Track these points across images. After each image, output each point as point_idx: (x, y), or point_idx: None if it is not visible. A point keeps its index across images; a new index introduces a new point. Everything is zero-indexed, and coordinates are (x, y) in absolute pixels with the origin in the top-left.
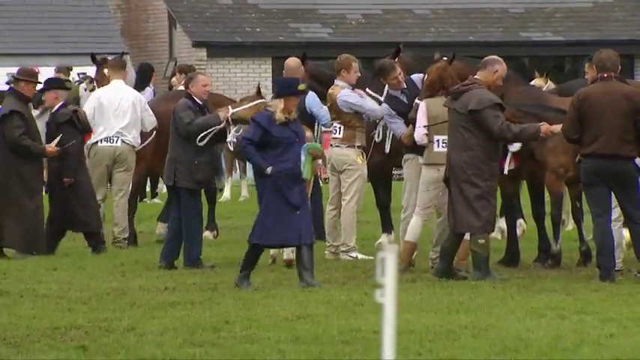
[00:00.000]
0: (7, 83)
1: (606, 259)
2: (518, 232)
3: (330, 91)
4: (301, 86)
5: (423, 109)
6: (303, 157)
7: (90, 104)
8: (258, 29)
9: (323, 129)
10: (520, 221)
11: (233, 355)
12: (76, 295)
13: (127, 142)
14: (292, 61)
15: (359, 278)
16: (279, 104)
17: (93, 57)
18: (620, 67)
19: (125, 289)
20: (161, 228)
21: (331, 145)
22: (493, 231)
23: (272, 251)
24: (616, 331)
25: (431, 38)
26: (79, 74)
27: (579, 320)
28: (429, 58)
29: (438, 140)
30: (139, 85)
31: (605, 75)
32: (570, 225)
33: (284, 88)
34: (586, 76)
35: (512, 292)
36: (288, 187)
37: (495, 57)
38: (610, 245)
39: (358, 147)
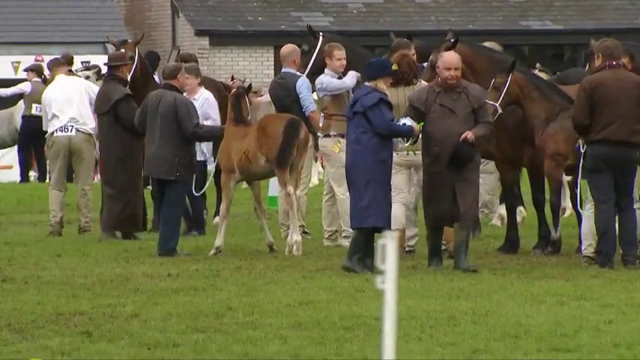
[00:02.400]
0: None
1: (608, 245)
2: (518, 219)
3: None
4: (394, 66)
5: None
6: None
7: (43, 103)
8: (260, 18)
9: (307, 113)
10: (520, 208)
11: (236, 340)
12: (80, 281)
13: (81, 130)
14: (286, 48)
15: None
16: (381, 85)
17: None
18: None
19: (129, 276)
20: None
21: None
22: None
23: (270, 238)
24: (615, 317)
25: (431, 27)
26: (82, 62)
27: (578, 306)
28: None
29: None
30: None
31: (614, 63)
32: (569, 211)
33: (379, 70)
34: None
35: (512, 279)
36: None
37: (441, 54)
38: (612, 232)
39: (334, 136)
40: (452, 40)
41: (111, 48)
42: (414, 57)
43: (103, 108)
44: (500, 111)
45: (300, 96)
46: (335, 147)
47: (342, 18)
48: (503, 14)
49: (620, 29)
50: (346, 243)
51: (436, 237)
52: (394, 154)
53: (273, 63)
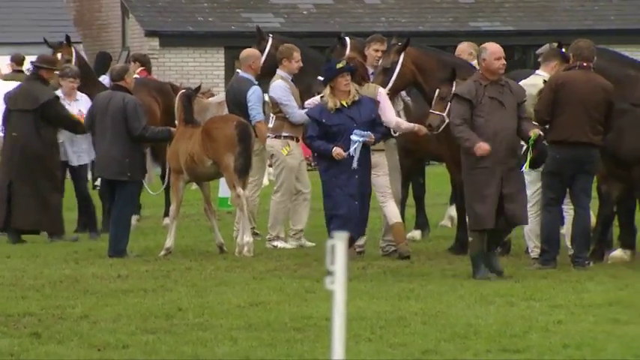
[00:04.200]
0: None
1: (552, 247)
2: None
3: (272, 81)
4: (339, 64)
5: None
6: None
7: None
8: (210, 19)
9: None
10: None
11: (186, 342)
12: (29, 282)
13: None
14: (246, 52)
15: (310, 266)
16: (327, 91)
17: (46, 42)
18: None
19: (78, 277)
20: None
21: (268, 135)
22: (487, 226)
23: (220, 239)
24: (564, 317)
25: (382, 28)
26: (32, 62)
27: (528, 307)
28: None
29: None
30: (97, 73)
31: (585, 64)
32: None
33: (325, 73)
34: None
35: (461, 280)
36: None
37: (483, 46)
38: (557, 234)
39: (285, 137)
40: (399, 44)
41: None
42: (379, 54)
43: (28, 105)
44: (447, 120)
45: (249, 104)
46: (284, 149)
47: (293, 19)
48: (453, 16)
49: (570, 31)
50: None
51: (481, 242)
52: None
53: (223, 64)
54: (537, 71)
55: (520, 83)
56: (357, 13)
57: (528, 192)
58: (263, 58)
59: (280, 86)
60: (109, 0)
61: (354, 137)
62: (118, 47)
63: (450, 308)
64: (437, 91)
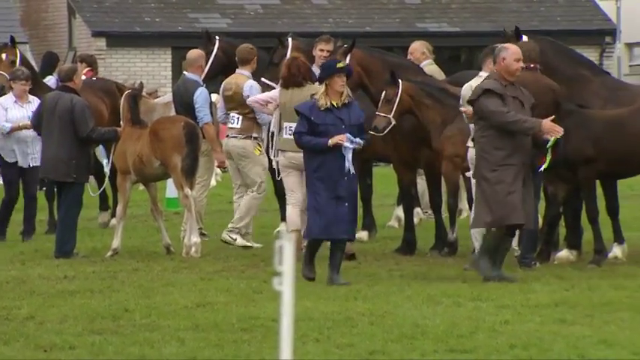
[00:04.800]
0: None
1: (532, 248)
2: (415, 220)
3: (232, 80)
4: (340, 64)
5: (274, 94)
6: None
7: None
8: (157, 19)
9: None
10: (417, 210)
11: (133, 342)
12: None
13: None
14: (192, 53)
15: (258, 266)
16: (322, 89)
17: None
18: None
19: (24, 278)
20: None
21: (227, 135)
22: (519, 221)
23: (168, 240)
24: (511, 317)
25: (329, 29)
26: None
27: (475, 307)
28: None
29: (286, 127)
30: (43, 73)
31: (532, 65)
32: (466, 213)
33: (322, 71)
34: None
35: (409, 280)
36: (333, 179)
37: (500, 46)
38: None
39: (255, 138)
40: (345, 46)
41: None
42: (325, 54)
43: None
44: (393, 122)
45: (196, 106)
46: (256, 150)
47: (240, 19)
48: (400, 16)
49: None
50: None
51: (503, 241)
52: (281, 156)
53: (170, 64)
54: (481, 72)
55: (466, 85)
56: (305, 14)
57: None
58: (210, 61)
59: (255, 87)
60: (55, 0)
61: (346, 143)
62: (65, 48)
63: (397, 309)
64: (383, 93)
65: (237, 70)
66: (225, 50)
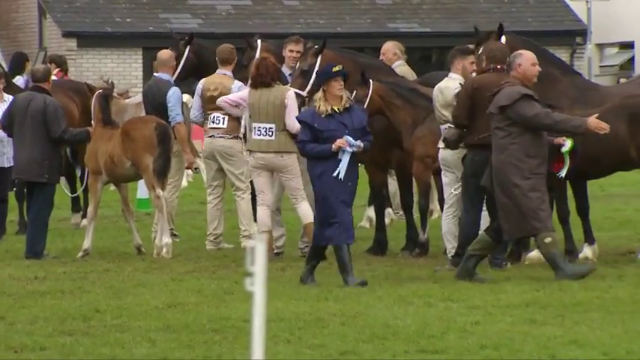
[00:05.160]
0: None
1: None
2: (386, 221)
3: (216, 80)
4: (335, 68)
5: (244, 94)
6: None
7: None
8: (128, 19)
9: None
10: (388, 210)
11: (104, 343)
12: None
13: None
14: (164, 53)
15: (229, 267)
16: (320, 94)
17: None
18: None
19: None
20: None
21: (212, 135)
22: (551, 228)
23: (139, 241)
24: (481, 318)
25: (300, 29)
26: None
27: (446, 308)
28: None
29: (255, 128)
30: (12, 74)
31: (498, 66)
32: (437, 214)
33: (319, 76)
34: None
35: (380, 280)
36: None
37: (515, 53)
38: (475, 235)
39: (240, 138)
40: (316, 47)
41: None
42: (294, 55)
43: None
44: None
45: (169, 105)
46: (243, 149)
47: (211, 20)
48: (371, 17)
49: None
50: (246, 243)
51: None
52: (250, 157)
53: (141, 64)
54: (450, 73)
55: (436, 87)
56: (276, 15)
57: (445, 194)
58: (182, 63)
59: (244, 87)
60: (26, 0)
61: (347, 148)
62: (36, 48)
63: (368, 309)
64: (354, 93)
65: (219, 71)
66: (196, 52)
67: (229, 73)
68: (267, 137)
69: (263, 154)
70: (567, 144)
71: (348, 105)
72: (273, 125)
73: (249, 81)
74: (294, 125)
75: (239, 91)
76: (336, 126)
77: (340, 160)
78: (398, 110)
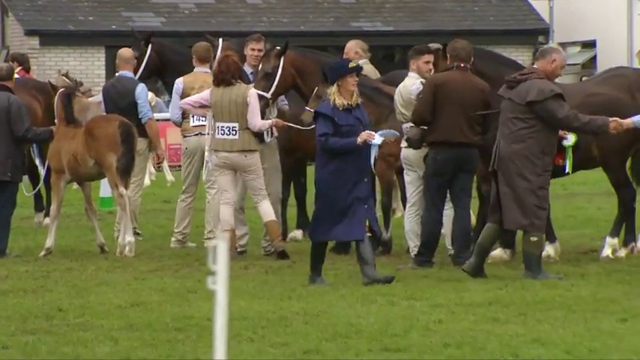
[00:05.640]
0: None
1: (430, 249)
2: None
3: (198, 78)
4: (352, 63)
5: (205, 94)
6: (374, 150)
7: None
8: (90, 18)
9: (144, 120)
10: None
11: (66, 342)
12: None
13: None
14: (126, 51)
15: (192, 266)
16: (334, 89)
17: None
18: (471, 58)
19: None
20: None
21: (199, 133)
22: (543, 231)
23: (102, 239)
24: (444, 316)
25: (263, 28)
26: None
27: (409, 306)
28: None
29: (218, 127)
30: None
31: (462, 65)
32: (400, 212)
33: (334, 71)
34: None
35: (343, 279)
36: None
37: (553, 46)
38: (437, 236)
39: None
40: (278, 48)
41: None
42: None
43: None
44: None
45: (139, 102)
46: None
47: (174, 18)
48: (335, 16)
49: (449, 31)
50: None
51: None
52: (213, 156)
53: (104, 63)
54: (409, 73)
55: (399, 87)
56: (239, 13)
57: (408, 193)
58: (145, 62)
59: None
60: None
61: (375, 140)
62: None
63: (331, 308)
64: (315, 89)
65: (198, 69)
66: (158, 51)
67: (209, 70)
68: (231, 136)
69: (227, 154)
70: (570, 138)
71: (359, 101)
72: (236, 124)
73: (212, 79)
74: (256, 124)
75: None
76: (354, 121)
77: (367, 157)
78: None
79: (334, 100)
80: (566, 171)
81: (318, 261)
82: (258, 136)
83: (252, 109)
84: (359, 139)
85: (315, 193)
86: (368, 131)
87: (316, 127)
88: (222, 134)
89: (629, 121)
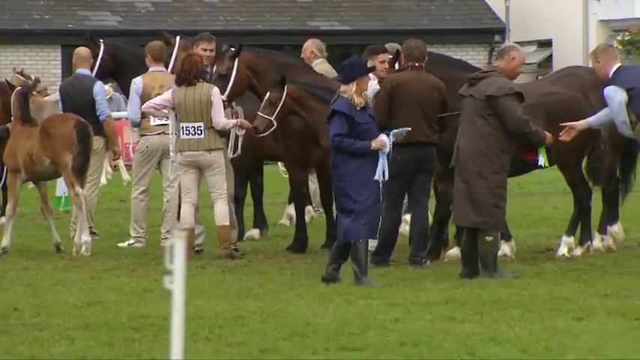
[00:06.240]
0: None
1: (387, 248)
2: (307, 218)
3: (157, 77)
4: (369, 63)
5: (168, 96)
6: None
7: None
8: (46, 17)
9: (102, 117)
10: (308, 208)
11: (22, 342)
12: None
13: None
14: (83, 50)
15: (148, 265)
16: (353, 88)
17: None
18: (425, 57)
19: None
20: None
21: (161, 132)
22: (501, 230)
23: (58, 239)
24: (401, 315)
25: (220, 27)
26: None
27: (366, 305)
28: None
29: (182, 127)
30: None
31: (417, 64)
32: None
33: (354, 69)
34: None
35: (300, 278)
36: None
37: (511, 44)
38: (395, 237)
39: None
40: (232, 49)
41: None
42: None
43: None
44: (275, 125)
45: (97, 99)
46: None
47: (130, 17)
48: (291, 15)
49: (406, 30)
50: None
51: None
52: (178, 155)
53: (60, 62)
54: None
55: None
56: (196, 12)
57: None
58: (98, 64)
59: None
60: None
61: (386, 149)
62: None
63: (288, 307)
64: (267, 94)
65: (154, 68)
66: (111, 53)
67: (164, 69)
68: (197, 136)
69: (193, 152)
70: (541, 159)
71: (368, 100)
72: (201, 124)
73: (175, 78)
74: (220, 122)
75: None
76: (369, 119)
77: (378, 162)
78: (313, 111)
79: (353, 99)
80: (541, 163)
81: (339, 260)
82: (223, 135)
83: (216, 107)
84: (373, 145)
85: (336, 193)
86: (381, 138)
87: (331, 126)
88: (188, 134)
89: (583, 123)
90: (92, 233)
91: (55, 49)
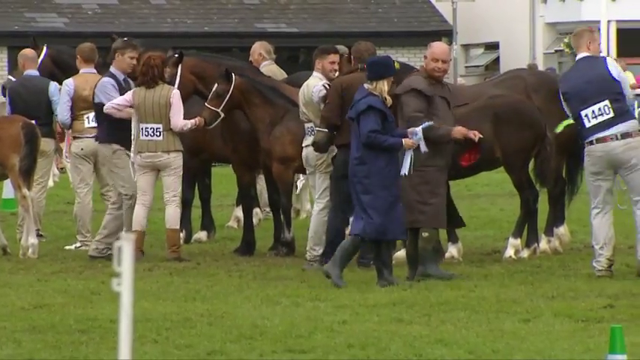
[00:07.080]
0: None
1: (335, 247)
2: (254, 221)
3: (88, 78)
4: (397, 64)
5: (128, 97)
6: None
7: None
8: None
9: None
10: (256, 210)
11: None
12: None
13: None
14: (29, 51)
15: (95, 267)
16: (384, 86)
17: None
18: None
19: None
20: None
21: (95, 136)
22: (439, 225)
23: (4, 241)
24: (349, 317)
25: (168, 29)
26: None
27: (313, 307)
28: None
29: (142, 128)
30: None
31: (365, 66)
32: (305, 214)
33: (384, 68)
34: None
35: (247, 280)
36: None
37: (431, 43)
38: (343, 236)
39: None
40: (175, 55)
41: None
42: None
43: None
44: (222, 115)
45: (53, 99)
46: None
47: (77, 19)
48: (239, 16)
49: (354, 33)
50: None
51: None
52: (137, 156)
53: (6, 64)
54: (314, 72)
55: (303, 85)
56: (143, 14)
57: (315, 194)
58: (37, 67)
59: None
60: None
61: (418, 134)
62: None
63: (236, 309)
64: (215, 86)
65: (85, 70)
66: (53, 57)
67: (94, 71)
68: (155, 137)
69: (151, 154)
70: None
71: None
72: (160, 125)
73: (137, 79)
74: (178, 124)
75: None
76: (393, 118)
77: (404, 158)
78: (256, 108)
79: (384, 97)
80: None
81: (347, 259)
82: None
83: (174, 109)
84: (405, 142)
85: (358, 190)
86: (413, 139)
87: (365, 121)
88: (147, 135)
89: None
90: (39, 235)
91: (2, 50)
